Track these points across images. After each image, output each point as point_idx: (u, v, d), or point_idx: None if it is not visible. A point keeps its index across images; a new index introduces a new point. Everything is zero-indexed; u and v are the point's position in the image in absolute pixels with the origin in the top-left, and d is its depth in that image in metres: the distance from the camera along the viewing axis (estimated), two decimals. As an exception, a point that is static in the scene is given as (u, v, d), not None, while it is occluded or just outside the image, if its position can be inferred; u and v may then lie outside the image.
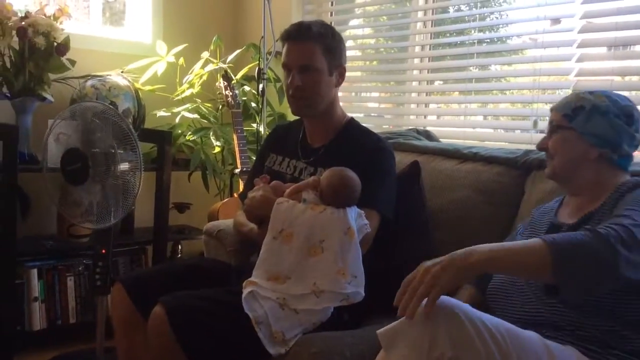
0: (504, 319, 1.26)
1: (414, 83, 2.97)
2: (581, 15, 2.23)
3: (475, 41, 2.64)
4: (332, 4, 3.30)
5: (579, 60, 2.25)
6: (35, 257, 2.75)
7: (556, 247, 1.18)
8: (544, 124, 2.39)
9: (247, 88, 3.18)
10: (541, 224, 1.61)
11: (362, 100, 3.35)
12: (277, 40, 2.91)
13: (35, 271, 2.70)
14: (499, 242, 1.65)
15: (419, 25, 2.93)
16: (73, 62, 2.76)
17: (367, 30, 3.40)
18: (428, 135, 2.51)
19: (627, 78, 2.27)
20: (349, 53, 3.30)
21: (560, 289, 1.18)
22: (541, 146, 1.58)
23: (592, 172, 1.49)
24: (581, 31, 2.24)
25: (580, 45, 2.25)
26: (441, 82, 2.94)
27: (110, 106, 2.30)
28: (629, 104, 1.50)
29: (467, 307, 1.20)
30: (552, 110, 1.57)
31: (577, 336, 1.33)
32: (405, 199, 1.95)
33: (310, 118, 1.96)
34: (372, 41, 3.37)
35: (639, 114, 1.51)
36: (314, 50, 1.83)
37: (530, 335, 1.27)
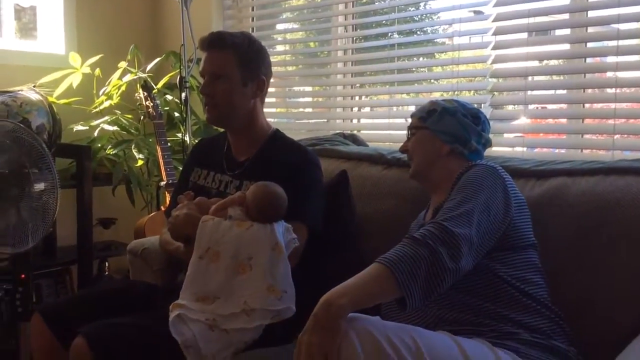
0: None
1: (339, 82, 2.98)
2: (495, 2, 2.28)
3: (396, 33, 2.67)
4: (253, 9, 3.26)
5: (495, 47, 2.31)
6: (-51, 285, 2.60)
7: (394, 266, 1.25)
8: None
9: (169, 97, 3.10)
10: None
11: (295, 96, 3.33)
12: (197, 48, 2.85)
13: (-50, 300, 2.56)
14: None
15: (341, 19, 2.93)
16: (-20, 79, 2.62)
17: (290, 35, 3.37)
18: (354, 139, 2.52)
19: (543, 62, 2.35)
20: (279, 49, 3.33)
21: (407, 300, 1.25)
22: (402, 149, 1.75)
23: (446, 167, 1.64)
24: (496, 19, 2.29)
25: (496, 33, 2.30)
26: (367, 84, 2.96)
27: (21, 124, 2.19)
28: (475, 108, 1.72)
29: (378, 321, 1.25)
30: (411, 116, 1.76)
31: (471, 323, 1.41)
32: (334, 209, 1.94)
33: (229, 129, 1.95)
34: (300, 42, 3.35)
35: (485, 117, 1.72)
36: (227, 59, 1.82)
37: (439, 334, 1.32)
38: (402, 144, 1.76)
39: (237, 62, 1.83)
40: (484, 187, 1.46)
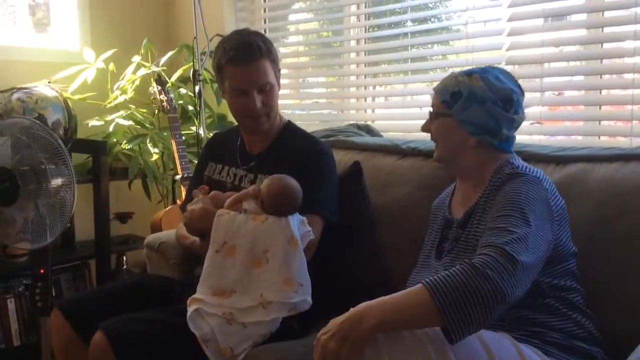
0: None
1: (353, 72, 2.96)
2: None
3: (410, 21, 2.64)
4: (264, 0, 3.25)
5: (510, 34, 2.28)
6: (-29, 281, 2.64)
7: (438, 293, 1.15)
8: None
9: (183, 91, 3.10)
10: (436, 219, 1.66)
11: (309, 87, 3.32)
12: (210, 40, 2.86)
13: (-29, 296, 2.59)
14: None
15: (353, 8, 2.90)
16: (-5, 76, 2.63)
17: (303, 26, 3.35)
18: (369, 130, 2.50)
19: (560, 48, 2.31)
20: (292, 40, 3.31)
21: (453, 331, 1.15)
22: (425, 129, 1.60)
23: (473, 157, 1.52)
24: (510, 5, 2.26)
25: (511, 19, 2.27)
26: (380, 75, 2.94)
27: (37, 121, 2.20)
28: (506, 87, 1.49)
29: None
30: (434, 89, 1.58)
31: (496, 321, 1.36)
32: (348, 200, 1.93)
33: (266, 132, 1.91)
34: (313, 32, 3.33)
35: (518, 93, 1.51)
36: (267, 68, 1.80)
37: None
38: (420, 128, 1.62)
39: (271, 65, 1.82)
40: (534, 208, 1.34)
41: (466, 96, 1.48)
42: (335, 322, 1.20)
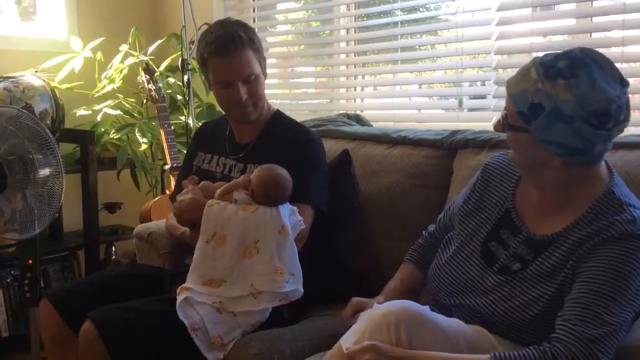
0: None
1: (342, 62, 2.96)
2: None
3: (399, 10, 2.63)
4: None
5: (499, 23, 2.28)
6: (-42, 272, 2.62)
7: None
8: (467, 102, 2.44)
9: (171, 80, 3.08)
10: (491, 193, 1.45)
11: (298, 77, 3.31)
12: (199, 29, 2.83)
13: (-41, 287, 2.58)
14: (431, 223, 1.69)
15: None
16: (-19, 65, 2.60)
17: (292, 15, 3.33)
18: (359, 120, 2.50)
19: (548, 38, 2.32)
20: (280, 29, 3.29)
21: None
22: (497, 130, 1.35)
23: (558, 176, 1.27)
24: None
25: (500, 9, 2.27)
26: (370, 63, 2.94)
27: (24, 110, 2.18)
28: (602, 97, 1.16)
29: (426, 311, 1.21)
30: (507, 89, 1.29)
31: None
32: (337, 189, 1.94)
33: (252, 121, 1.89)
34: (301, 22, 3.31)
35: (621, 101, 1.19)
36: (250, 58, 1.78)
37: (476, 328, 1.29)
38: (493, 126, 1.38)
39: (255, 55, 1.80)
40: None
41: (549, 112, 1.19)
42: (386, 350, 1.14)
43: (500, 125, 1.32)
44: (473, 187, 1.51)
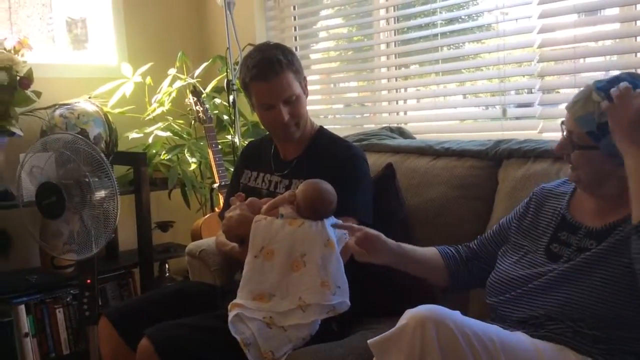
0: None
1: (384, 75, 2.98)
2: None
3: (440, 21, 2.64)
4: (294, 8, 3.29)
5: (541, 31, 2.26)
6: (22, 292, 2.71)
7: None
8: (512, 111, 2.42)
9: (217, 100, 3.17)
10: (546, 210, 1.55)
11: (341, 92, 3.36)
12: (242, 50, 2.90)
13: (22, 307, 2.67)
14: (478, 234, 1.69)
15: (382, 12, 2.92)
16: (39, 94, 2.72)
17: (333, 31, 3.38)
18: (401, 132, 2.52)
19: (593, 44, 2.29)
20: (321, 46, 3.34)
21: None
22: (560, 152, 1.46)
23: (621, 184, 1.35)
24: (541, 2, 2.25)
25: (542, 16, 2.26)
26: (411, 77, 2.95)
27: (79, 135, 2.28)
28: None
29: (457, 316, 1.23)
30: (570, 114, 1.41)
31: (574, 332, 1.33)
32: (382, 202, 1.95)
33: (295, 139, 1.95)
34: (343, 33, 3.36)
35: None
36: (290, 80, 1.84)
37: (519, 337, 1.29)
38: (555, 149, 1.48)
39: (295, 77, 1.86)
40: None
41: None
42: None
43: (562, 148, 1.44)
44: (527, 206, 1.61)
